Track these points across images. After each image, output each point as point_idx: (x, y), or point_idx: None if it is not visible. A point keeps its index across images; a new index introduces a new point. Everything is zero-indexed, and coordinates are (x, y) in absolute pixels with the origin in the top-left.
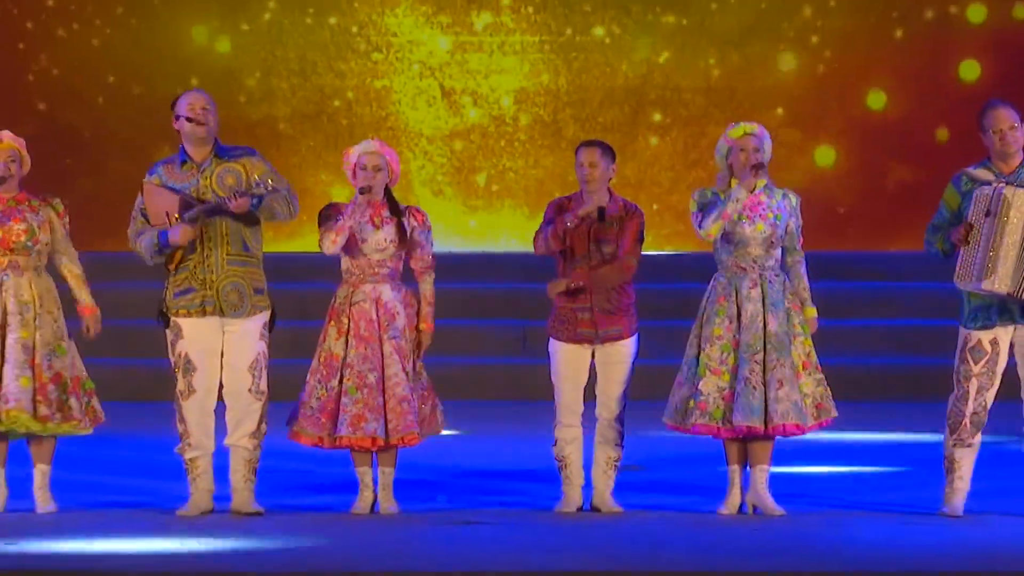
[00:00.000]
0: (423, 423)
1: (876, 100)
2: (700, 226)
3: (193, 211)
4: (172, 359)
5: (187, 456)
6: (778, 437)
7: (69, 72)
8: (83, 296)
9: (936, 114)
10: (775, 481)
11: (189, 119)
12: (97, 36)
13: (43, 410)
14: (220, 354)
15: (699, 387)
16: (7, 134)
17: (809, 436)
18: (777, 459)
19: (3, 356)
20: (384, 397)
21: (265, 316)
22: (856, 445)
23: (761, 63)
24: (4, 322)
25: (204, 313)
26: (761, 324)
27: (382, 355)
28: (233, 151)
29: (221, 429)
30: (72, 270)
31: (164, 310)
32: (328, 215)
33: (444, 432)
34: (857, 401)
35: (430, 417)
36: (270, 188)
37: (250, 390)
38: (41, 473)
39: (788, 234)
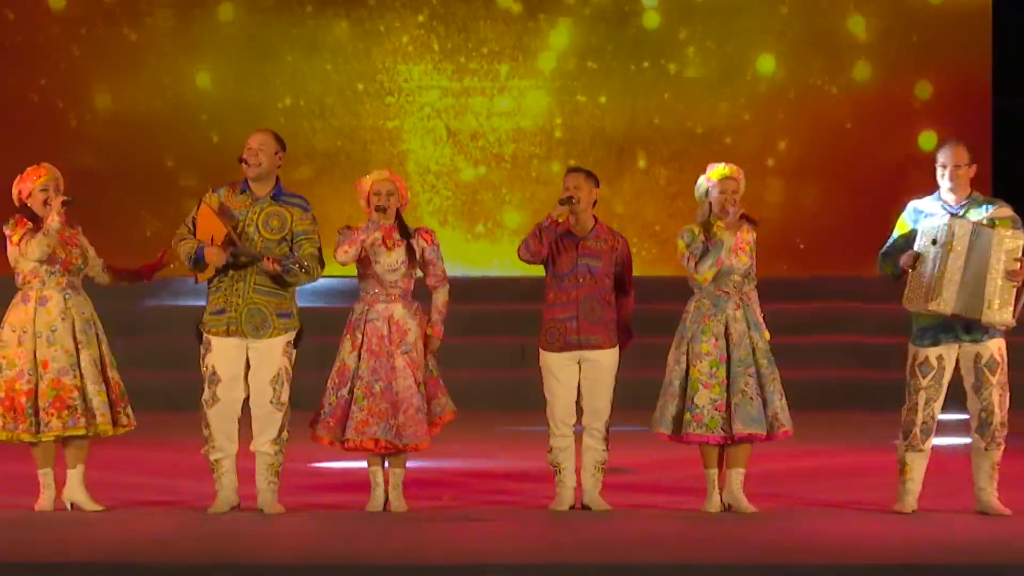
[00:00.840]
0: (434, 421)
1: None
2: (696, 271)
3: (233, 248)
4: (202, 370)
5: (212, 458)
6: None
7: (121, 117)
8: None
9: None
10: (749, 481)
11: (242, 160)
12: (133, 83)
13: (123, 419)
14: (245, 368)
15: (694, 400)
16: (47, 165)
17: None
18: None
19: (81, 372)
20: (393, 406)
21: (290, 336)
22: (817, 450)
23: (734, 106)
24: (76, 339)
25: (229, 333)
26: (749, 341)
27: (393, 368)
28: (289, 198)
29: (246, 435)
30: (111, 265)
31: (200, 327)
32: (343, 231)
33: (451, 435)
34: (819, 410)
35: (441, 406)
36: (300, 269)
37: (271, 401)
38: (80, 473)
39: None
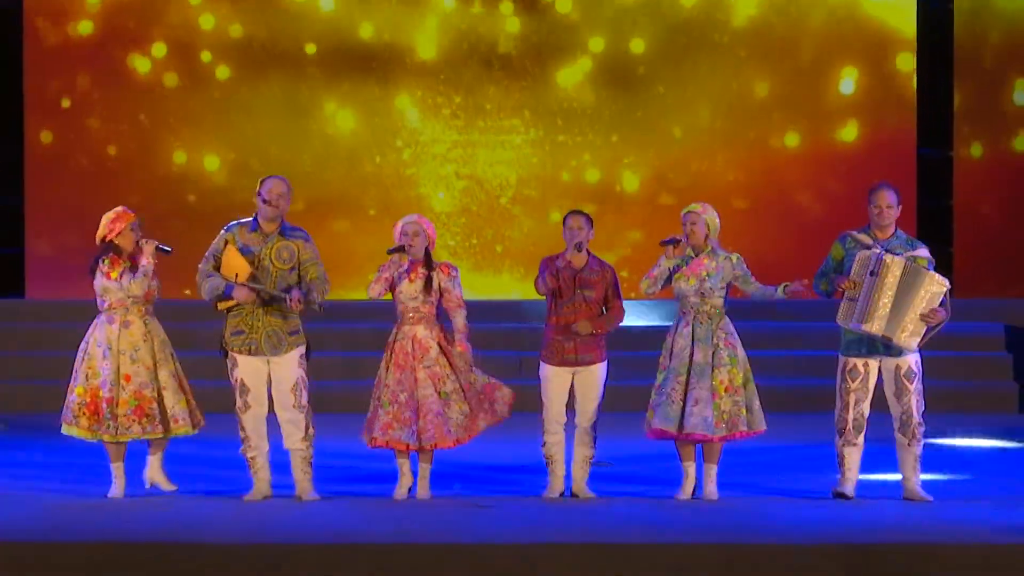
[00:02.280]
0: (473, 420)
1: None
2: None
3: (258, 287)
4: (233, 382)
5: (248, 455)
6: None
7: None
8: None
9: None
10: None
11: (266, 201)
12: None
13: (199, 421)
14: (268, 377)
15: (650, 402)
16: (128, 209)
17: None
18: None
19: (159, 386)
20: (415, 413)
21: (302, 349)
22: (772, 446)
23: (699, 153)
24: (155, 358)
25: (251, 353)
26: (688, 355)
27: (415, 380)
28: (294, 232)
29: (275, 433)
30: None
31: (223, 345)
32: (382, 268)
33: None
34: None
35: (486, 411)
36: (316, 306)
37: (294, 406)
38: (159, 459)
39: (737, 279)
